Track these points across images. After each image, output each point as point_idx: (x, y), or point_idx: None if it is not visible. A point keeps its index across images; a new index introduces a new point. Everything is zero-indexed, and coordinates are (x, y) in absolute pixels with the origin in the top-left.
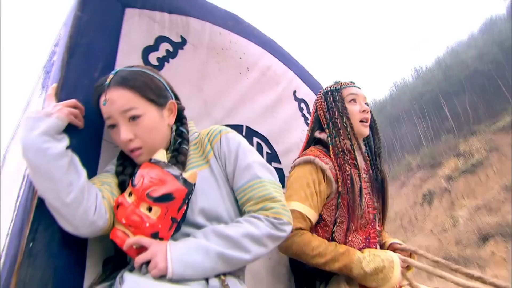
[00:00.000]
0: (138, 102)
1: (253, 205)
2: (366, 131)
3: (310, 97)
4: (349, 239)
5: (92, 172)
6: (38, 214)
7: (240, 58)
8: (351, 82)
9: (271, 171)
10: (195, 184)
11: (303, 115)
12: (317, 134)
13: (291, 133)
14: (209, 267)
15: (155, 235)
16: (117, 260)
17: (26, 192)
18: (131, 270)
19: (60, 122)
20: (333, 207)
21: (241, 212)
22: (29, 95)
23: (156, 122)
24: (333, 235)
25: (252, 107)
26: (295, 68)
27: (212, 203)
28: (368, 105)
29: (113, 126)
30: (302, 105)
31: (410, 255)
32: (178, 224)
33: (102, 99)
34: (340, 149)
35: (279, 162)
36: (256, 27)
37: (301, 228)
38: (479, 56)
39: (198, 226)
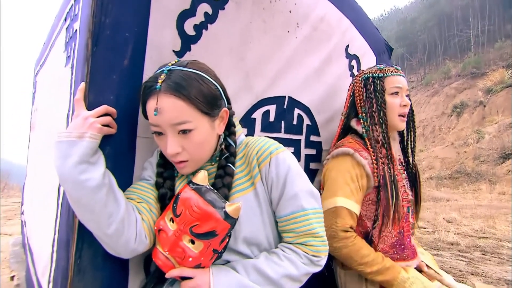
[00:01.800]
0: (191, 115)
1: (294, 238)
2: (402, 125)
3: (364, 51)
4: (384, 234)
5: (128, 174)
6: (81, 233)
7: (290, 11)
8: (395, 68)
9: (316, 197)
10: (237, 218)
11: (352, 74)
12: (354, 123)
13: (336, 97)
14: None
15: (197, 266)
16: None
17: (66, 207)
18: (172, 284)
19: (94, 142)
20: (369, 201)
21: (279, 234)
22: (43, 50)
23: (207, 135)
24: (372, 230)
25: (297, 73)
26: (351, 13)
27: (254, 230)
28: (409, 98)
29: (159, 133)
30: (353, 62)
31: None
32: (220, 254)
33: (152, 105)
34: (375, 142)
35: (318, 135)
36: None
37: (351, 227)
38: None
39: (239, 253)
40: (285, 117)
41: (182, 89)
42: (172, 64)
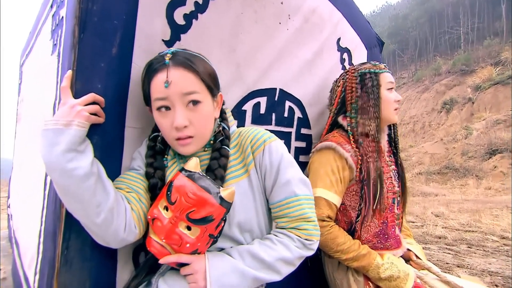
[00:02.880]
0: (200, 87)
1: (287, 222)
2: (396, 118)
3: (355, 44)
4: (367, 224)
5: (117, 163)
6: (68, 223)
7: (282, 2)
8: (384, 65)
9: (307, 185)
10: (232, 203)
11: (344, 68)
12: (340, 119)
13: (327, 90)
14: None
15: (194, 252)
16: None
17: (52, 197)
18: (163, 274)
19: (82, 131)
20: (353, 192)
21: (270, 222)
22: (29, 39)
23: (211, 112)
24: (355, 220)
25: (289, 65)
26: (343, 7)
27: (248, 216)
28: None
29: (166, 108)
30: (345, 55)
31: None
32: (215, 239)
33: (162, 78)
34: (365, 136)
35: (309, 128)
36: None
37: (328, 216)
38: None
39: (232, 239)
40: (276, 109)
41: (191, 63)
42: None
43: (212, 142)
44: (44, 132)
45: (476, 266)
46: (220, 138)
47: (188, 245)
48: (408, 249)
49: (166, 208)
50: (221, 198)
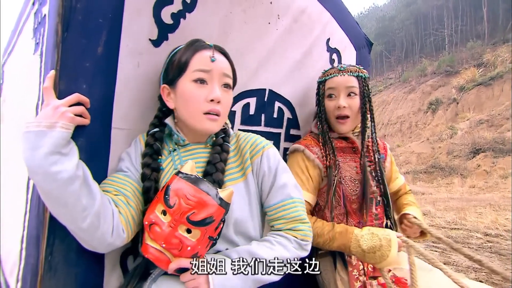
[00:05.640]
0: (232, 77)
1: (283, 224)
2: (342, 128)
3: (344, 45)
4: (342, 223)
5: (103, 166)
6: (52, 227)
7: (271, 2)
8: (338, 68)
9: (300, 190)
10: (230, 204)
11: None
12: (312, 124)
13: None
14: None
15: (194, 256)
16: (137, 253)
17: (36, 201)
18: (155, 280)
19: (66, 133)
20: (325, 193)
21: (263, 228)
22: (11, 38)
23: (231, 102)
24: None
25: (279, 66)
26: (332, 7)
27: (243, 218)
28: (356, 95)
29: (202, 81)
30: (334, 56)
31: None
32: (215, 241)
33: (208, 53)
34: (324, 141)
35: (299, 128)
36: None
37: None
38: None
39: (228, 239)
40: (265, 110)
41: (228, 56)
42: None
43: (214, 139)
44: (26, 135)
45: (462, 263)
46: (222, 135)
47: (189, 248)
48: (405, 213)
49: (164, 213)
50: (221, 199)
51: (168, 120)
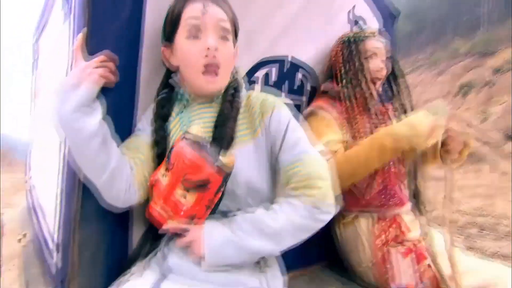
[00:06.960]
0: (230, 27)
1: (294, 186)
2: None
3: (368, 14)
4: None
5: (128, 127)
6: (82, 183)
7: None
8: (375, 31)
9: (314, 148)
10: (231, 172)
11: None
12: (327, 85)
13: None
14: (239, 262)
15: (191, 218)
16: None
17: (66, 160)
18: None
19: (91, 92)
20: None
21: (274, 189)
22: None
23: (233, 54)
24: None
25: (300, 33)
26: None
27: (253, 176)
28: (391, 59)
29: (195, 37)
30: (357, 25)
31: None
32: (213, 209)
33: (198, 6)
34: (348, 98)
35: None
36: None
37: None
38: None
39: (242, 202)
40: (287, 78)
41: (224, 4)
42: None
43: (222, 96)
44: (57, 92)
45: (487, 249)
46: (232, 92)
47: (182, 212)
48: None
49: (165, 174)
50: (220, 166)
51: (172, 80)
